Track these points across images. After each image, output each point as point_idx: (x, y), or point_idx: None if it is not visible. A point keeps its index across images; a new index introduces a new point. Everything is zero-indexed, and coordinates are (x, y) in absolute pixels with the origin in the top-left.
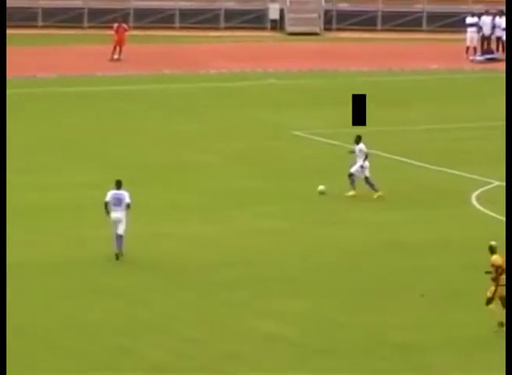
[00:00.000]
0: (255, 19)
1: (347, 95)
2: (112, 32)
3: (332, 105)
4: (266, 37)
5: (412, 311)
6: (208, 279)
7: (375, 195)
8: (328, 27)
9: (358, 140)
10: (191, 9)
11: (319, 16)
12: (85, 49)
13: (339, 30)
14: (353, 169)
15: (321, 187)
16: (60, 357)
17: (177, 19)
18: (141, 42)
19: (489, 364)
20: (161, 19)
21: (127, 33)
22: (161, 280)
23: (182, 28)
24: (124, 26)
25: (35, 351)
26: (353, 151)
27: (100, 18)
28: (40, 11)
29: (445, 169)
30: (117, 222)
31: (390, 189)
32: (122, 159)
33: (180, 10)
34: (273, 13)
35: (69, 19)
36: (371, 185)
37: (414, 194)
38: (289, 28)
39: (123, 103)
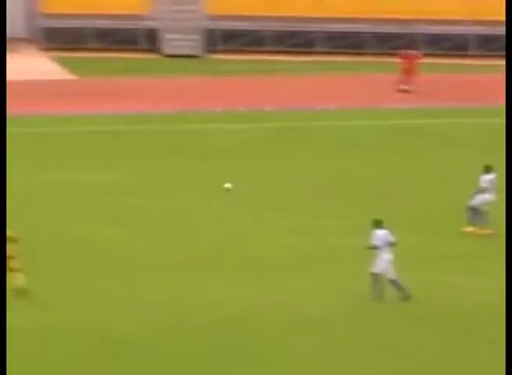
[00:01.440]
0: None
1: None
2: (398, 60)
3: None
4: None
5: None
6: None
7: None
8: None
9: (488, 170)
10: None
11: None
12: (367, 78)
13: None
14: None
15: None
16: None
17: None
18: (433, 71)
19: None
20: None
21: (418, 61)
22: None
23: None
24: (415, 53)
25: None
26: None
27: (385, 43)
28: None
29: None
30: (389, 263)
31: None
32: (395, 201)
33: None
34: None
35: (352, 44)
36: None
37: None
38: None
39: (412, 139)
